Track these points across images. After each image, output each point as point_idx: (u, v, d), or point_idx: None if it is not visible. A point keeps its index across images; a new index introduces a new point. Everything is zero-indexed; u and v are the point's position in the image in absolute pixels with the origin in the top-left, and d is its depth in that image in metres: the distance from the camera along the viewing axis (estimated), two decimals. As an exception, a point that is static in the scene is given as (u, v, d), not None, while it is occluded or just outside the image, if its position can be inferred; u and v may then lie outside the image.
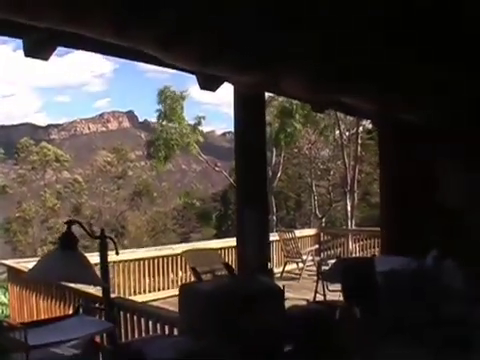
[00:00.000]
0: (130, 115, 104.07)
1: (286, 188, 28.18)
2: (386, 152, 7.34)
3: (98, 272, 2.91)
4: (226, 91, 4.86)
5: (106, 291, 3.08)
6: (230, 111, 4.90)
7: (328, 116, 22.33)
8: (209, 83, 4.43)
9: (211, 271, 3.62)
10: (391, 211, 7.26)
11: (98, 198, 41.35)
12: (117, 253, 3.19)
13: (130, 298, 10.32)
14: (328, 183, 26.30)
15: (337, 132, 23.26)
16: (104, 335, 3.04)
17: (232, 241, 11.21)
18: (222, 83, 4.44)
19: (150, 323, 6.20)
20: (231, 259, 11.82)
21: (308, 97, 4.74)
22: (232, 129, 4.94)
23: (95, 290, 6.14)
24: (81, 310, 3.00)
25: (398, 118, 6.33)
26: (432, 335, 4.30)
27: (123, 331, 6.55)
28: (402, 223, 7.03)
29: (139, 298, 11.17)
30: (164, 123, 22.50)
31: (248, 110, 4.53)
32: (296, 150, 25.82)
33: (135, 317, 6.50)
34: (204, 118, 24.79)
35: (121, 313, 6.69)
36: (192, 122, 23.68)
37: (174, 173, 49.53)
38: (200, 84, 4.45)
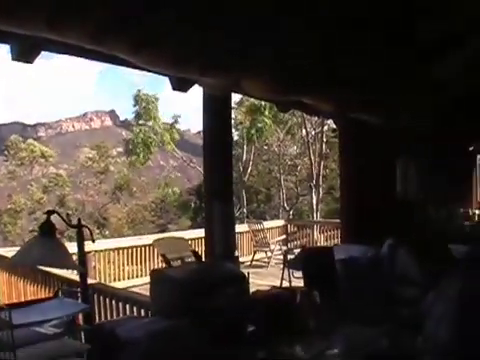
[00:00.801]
0: (112, 114, 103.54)
1: (257, 183, 28.28)
2: (346, 149, 7.43)
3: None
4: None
5: (83, 275, 3.12)
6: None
7: (295, 116, 22.60)
8: (181, 85, 4.47)
9: (180, 258, 3.66)
10: (350, 204, 7.35)
11: (81, 192, 41.26)
12: (93, 241, 3.22)
13: (111, 285, 10.32)
14: (295, 178, 26.47)
15: (304, 131, 23.45)
16: (81, 316, 3.07)
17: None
18: (193, 85, 4.48)
19: (127, 307, 6.25)
20: (203, 248, 11.89)
21: (271, 98, 4.80)
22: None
23: (75, 276, 6.18)
24: (60, 293, 3.04)
25: (357, 118, 6.41)
26: (386, 317, 4.37)
27: (102, 314, 6.61)
28: (360, 215, 7.12)
29: (120, 284, 11.22)
30: (141, 123, 22.61)
31: (215, 110, 4.60)
32: (266, 147, 26.02)
33: (114, 302, 6.55)
34: (180, 117, 25.05)
35: (100, 298, 6.74)
36: (171, 121, 23.98)
37: (153, 168, 49.36)
38: (173, 85, 4.50)
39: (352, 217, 7.27)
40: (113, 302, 6.55)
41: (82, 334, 3.05)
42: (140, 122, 22.70)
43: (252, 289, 3.96)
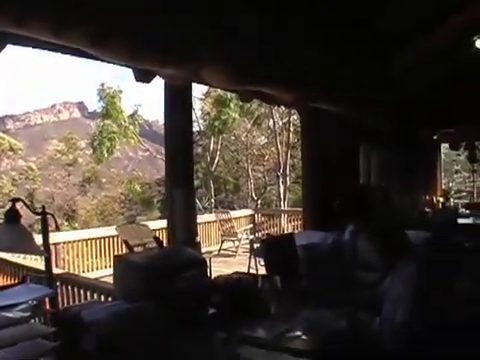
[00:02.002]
0: (80, 106, 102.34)
1: (225, 173, 28.29)
2: (308, 137, 7.54)
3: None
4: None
5: (48, 262, 3.19)
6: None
7: (263, 106, 22.69)
8: (143, 76, 4.54)
9: (142, 244, 3.77)
10: (312, 191, 7.47)
11: (51, 184, 40.86)
12: (57, 229, 3.32)
13: (81, 275, 10.34)
14: (263, 168, 26.53)
15: (272, 121, 23.52)
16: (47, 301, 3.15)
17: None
18: (155, 76, 4.56)
19: (95, 295, 6.32)
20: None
21: (230, 87, 4.90)
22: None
23: (41, 264, 6.25)
24: (27, 279, 3.12)
25: (318, 107, 6.54)
26: (345, 301, 4.50)
27: (71, 303, 6.67)
28: (322, 202, 7.24)
29: (89, 276, 11.18)
30: (104, 121, 22.47)
31: (176, 100, 4.68)
32: (233, 137, 26.05)
33: (82, 291, 6.62)
34: (140, 106, 25.12)
35: (69, 287, 6.80)
36: (134, 110, 23.84)
37: (121, 160, 49.11)
38: (135, 77, 4.57)
39: (314, 204, 7.39)
40: (81, 291, 6.62)
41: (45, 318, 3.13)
42: (105, 116, 22.49)
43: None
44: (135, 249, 3.65)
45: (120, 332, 2.75)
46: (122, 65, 4.25)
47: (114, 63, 4.04)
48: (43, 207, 3.06)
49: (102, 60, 3.95)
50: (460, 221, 8.92)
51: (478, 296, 4.65)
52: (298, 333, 3.89)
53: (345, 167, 7.62)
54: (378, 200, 8.46)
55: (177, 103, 4.68)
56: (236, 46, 4.16)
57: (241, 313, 4.00)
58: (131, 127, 22.43)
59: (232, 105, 21.54)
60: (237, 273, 4.51)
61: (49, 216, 3.06)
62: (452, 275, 5.00)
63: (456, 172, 22.79)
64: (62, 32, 3.01)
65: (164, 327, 2.92)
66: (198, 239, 4.78)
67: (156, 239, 3.81)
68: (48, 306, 3.12)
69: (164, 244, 3.87)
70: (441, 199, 10.34)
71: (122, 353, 2.65)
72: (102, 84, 21.91)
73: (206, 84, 4.77)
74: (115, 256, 3.56)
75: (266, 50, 4.53)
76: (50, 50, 3.99)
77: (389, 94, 8.04)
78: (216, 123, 22.10)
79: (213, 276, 4.44)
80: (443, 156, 18.29)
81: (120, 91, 21.99)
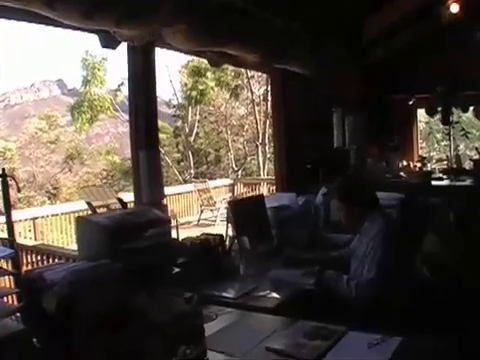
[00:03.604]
0: (60, 83, 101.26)
1: (205, 144, 28.25)
2: (277, 100, 7.54)
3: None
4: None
5: (9, 225, 3.20)
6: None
7: (240, 78, 22.76)
8: (108, 41, 4.51)
9: (106, 205, 3.77)
10: (283, 155, 7.49)
11: (32, 163, 40.58)
12: (19, 190, 3.31)
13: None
14: (243, 138, 26.54)
15: (250, 91, 23.51)
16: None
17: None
18: (120, 42, 4.54)
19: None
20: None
21: (192, 49, 4.88)
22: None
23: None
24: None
25: (286, 69, 6.55)
26: (315, 259, 4.56)
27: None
28: (294, 165, 7.28)
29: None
30: (87, 87, 22.19)
31: (139, 63, 4.67)
32: (212, 108, 26.01)
33: (56, 260, 6.64)
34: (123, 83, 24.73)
35: (44, 258, 6.82)
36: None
37: (102, 136, 48.79)
38: (101, 42, 4.53)
39: (286, 168, 7.42)
40: (55, 261, 6.63)
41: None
42: (87, 87, 22.26)
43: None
44: (98, 210, 3.66)
45: (80, 290, 2.76)
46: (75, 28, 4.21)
47: (74, 28, 4.00)
48: (3, 169, 3.06)
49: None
50: (434, 183, 9.00)
51: (443, 251, 4.73)
52: (265, 292, 3.93)
53: (318, 131, 7.65)
54: (351, 163, 8.53)
55: (140, 66, 4.67)
56: (197, 2, 4.18)
57: (207, 273, 4.04)
58: (108, 97, 22.25)
59: (208, 74, 21.55)
60: (204, 234, 4.54)
61: (10, 178, 3.07)
62: (418, 232, 5.07)
63: (438, 142, 22.89)
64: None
65: (126, 286, 2.93)
66: (165, 201, 4.78)
67: (120, 200, 3.84)
68: (10, 267, 3.14)
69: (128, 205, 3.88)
70: (418, 165, 10.40)
71: (82, 311, 2.66)
72: (86, 52, 21.67)
73: (169, 46, 4.73)
74: (77, 217, 3.54)
75: (228, 8, 4.55)
76: (10, 18, 3.96)
77: (360, 57, 8.07)
78: (193, 93, 22.09)
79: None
80: (424, 125, 18.40)
81: (104, 59, 21.73)
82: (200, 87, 21.79)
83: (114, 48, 4.59)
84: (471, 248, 4.80)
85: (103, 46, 4.54)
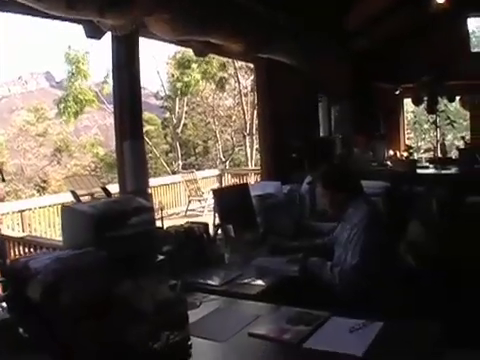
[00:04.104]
0: (48, 75, 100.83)
1: (194, 135, 28.21)
2: (262, 91, 7.56)
3: None
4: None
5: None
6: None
7: (226, 69, 22.89)
8: (93, 32, 4.52)
9: (90, 194, 3.79)
10: (270, 145, 7.52)
11: (20, 156, 40.39)
12: (3, 180, 3.33)
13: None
14: (231, 129, 26.52)
15: (237, 82, 23.55)
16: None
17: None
18: (105, 32, 4.55)
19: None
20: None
21: (176, 38, 4.90)
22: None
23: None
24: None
25: (271, 59, 6.57)
26: (299, 247, 4.60)
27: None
28: (279, 155, 7.31)
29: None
30: (72, 81, 22.18)
31: (123, 53, 4.67)
32: (199, 99, 25.99)
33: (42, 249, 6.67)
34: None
35: (32, 249, 6.85)
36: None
37: (90, 128, 48.59)
38: (85, 33, 4.54)
39: (271, 157, 7.45)
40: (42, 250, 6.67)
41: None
42: (72, 80, 22.25)
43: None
44: (82, 199, 3.67)
45: (65, 278, 2.78)
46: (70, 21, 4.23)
47: (58, 18, 4.00)
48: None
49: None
50: (419, 172, 9.07)
51: (426, 240, 4.78)
52: (250, 279, 3.97)
53: (304, 120, 7.68)
54: (337, 153, 8.58)
55: (124, 56, 4.67)
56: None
57: (192, 261, 4.08)
58: (92, 91, 22.25)
59: (194, 66, 21.63)
60: (188, 222, 4.57)
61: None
62: (403, 220, 5.12)
63: (425, 132, 22.97)
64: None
65: (110, 273, 2.95)
66: (150, 190, 4.81)
67: (104, 189, 3.84)
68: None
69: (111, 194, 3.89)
70: (405, 154, 10.45)
71: (67, 299, 2.69)
72: (68, 47, 21.62)
73: (153, 36, 4.75)
74: (62, 206, 3.56)
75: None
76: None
77: (345, 46, 8.10)
78: (178, 85, 22.17)
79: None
80: (412, 115, 18.43)
81: (87, 52, 21.70)
82: (185, 79, 21.87)
83: (99, 38, 4.59)
84: (454, 236, 4.85)
85: (88, 36, 4.55)
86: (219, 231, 4.70)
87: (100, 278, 2.91)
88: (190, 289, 3.54)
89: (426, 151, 12.68)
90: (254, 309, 3.33)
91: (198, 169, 21.72)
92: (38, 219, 12.33)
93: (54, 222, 12.50)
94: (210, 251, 4.34)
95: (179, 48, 21.38)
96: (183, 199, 16.19)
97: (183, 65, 21.86)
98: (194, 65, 21.75)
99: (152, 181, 16.24)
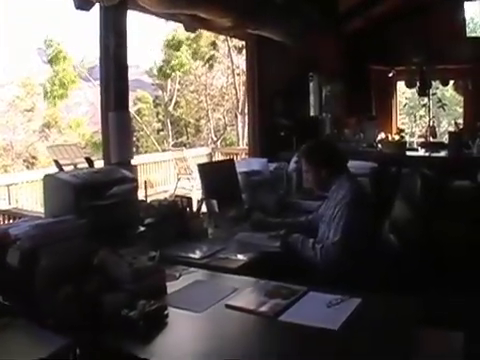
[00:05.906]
0: (39, 50, 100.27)
1: (185, 114, 28.03)
2: (251, 68, 7.56)
3: None
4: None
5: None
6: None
7: (217, 49, 22.97)
8: (82, 3, 4.53)
9: (73, 164, 3.81)
10: (258, 122, 7.54)
11: (9, 131, 40.15)
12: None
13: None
14: (223, 108, 26.41)
15: (230, 62, 23.53)
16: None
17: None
18: (94, 4, 4.55)
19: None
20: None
21: (166, 10, 4.90)
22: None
23: None
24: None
25: (260, 34, 6.57)
26: (283, 223, 4.63)
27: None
28: (267, 132, 7.33)
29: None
30: (55, 67, 22.35)
31: (111, 25, 4.68)
32: (192, 77, 25.87)
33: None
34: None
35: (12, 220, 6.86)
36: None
37: (81, 105, 48.38)
38: (75, 4, 4.54)
39: (259, 135, 7.47)
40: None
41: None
42: (52, 64, 22.44)
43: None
44: (65, 168, 3.69)
45: (43, 245, 2.81)
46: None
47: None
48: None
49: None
50: (408, 154, 9.09)
51: (407, 215, 4.82)
52: (230, 253, 4.00)
53: (293, 99, 7.69)
54: (326, 132, 8.61)
55: (111, 28, 4.68)
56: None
57: (175, 234, 4.11)
58: (71, 71, 22.34)
59: (184, 47, 21.77)
60: (173, 195, 4.60)
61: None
62: (389, 201, 5.15)
63: (420, 117, 23.00)
64: None
65: (89, 241, 2.99)
66: (133, 162, 4.82)
67: (87, 159, 3.86)
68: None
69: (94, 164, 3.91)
70: (396, 137, 10.46)
71: (45, 265, 2.72)
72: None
73: (141, 9, 4.75)
74: (45, 175, 3.58)
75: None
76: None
77: (338, 25, 8.11)
78: (167, 65, 22.40)
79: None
80: (406, 100, 18.43)
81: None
82: (173, 62, 22.09)
83: (88, 10, 4.60)
84: (438, 217, 4.89)
85: (77, 8, 4.55)
86: (204, 206, 4.72)
87: (79, 245, 2.95)
88: (171, 261, 3.57)
89: (420, 137, 12.70)
90: (233, 282, 3.35)
91: (189, 148, 21.69)
92: (25, 193, 12.27)
93: (42, 197, 12.48)
94: (193, 225, 4.36)
95: (171, 30, 22.01)
96: (173, 177, 16.20)
97: (173, 46, 22.04)
98: (184, 47, 21.94)
99: (142, 158, 16.32)
